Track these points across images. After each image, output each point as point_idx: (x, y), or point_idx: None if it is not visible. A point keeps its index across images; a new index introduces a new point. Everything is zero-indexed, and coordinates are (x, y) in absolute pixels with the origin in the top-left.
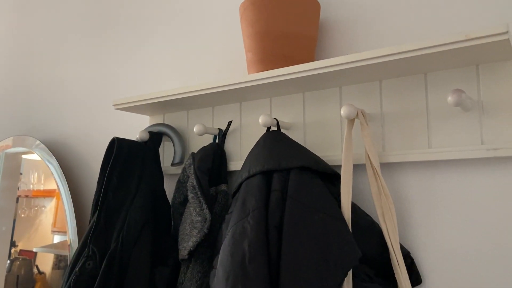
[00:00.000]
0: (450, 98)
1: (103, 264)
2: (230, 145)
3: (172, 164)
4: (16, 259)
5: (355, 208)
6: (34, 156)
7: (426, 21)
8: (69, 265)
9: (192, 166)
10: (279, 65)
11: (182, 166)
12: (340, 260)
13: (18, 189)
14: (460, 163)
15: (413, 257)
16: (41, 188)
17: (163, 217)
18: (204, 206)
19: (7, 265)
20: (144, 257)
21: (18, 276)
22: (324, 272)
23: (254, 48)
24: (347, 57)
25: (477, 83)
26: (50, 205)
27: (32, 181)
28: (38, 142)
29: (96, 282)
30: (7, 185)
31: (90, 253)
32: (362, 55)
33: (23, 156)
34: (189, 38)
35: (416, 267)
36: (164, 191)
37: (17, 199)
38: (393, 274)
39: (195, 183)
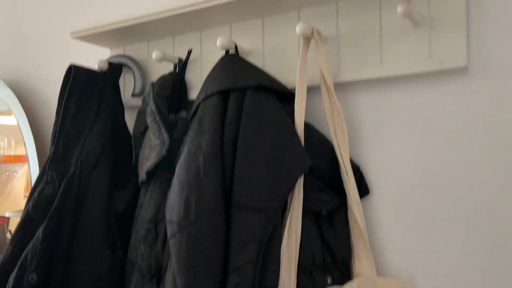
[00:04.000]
0: (399, 8)
1: (61, 188)
2: (191, 74)
3: (133, 95)
4: None
5: (309, 126)
6: (3, 120)
7: None
8: (29, 193)
9: (151, 93)
10: None
11: (143, 96)
12: (291, 168)
13: None
14: (409, 79)
15: (362, 172)
16: (12, 153)
17: (124, 146)
18: (163, 129)
19: None
20: (103, 180)
21: None
22: (275, 178)
23: None
24: None
25: None
26: (21, 170)
27: (2, 146)
28: None
29: (53, 205)
30: None
31: (48, 179)
32: None
33: None
34: None
35: (365, 180)
36: (125, 121)
37: None
38: (343, 186)
39: (153, 108)
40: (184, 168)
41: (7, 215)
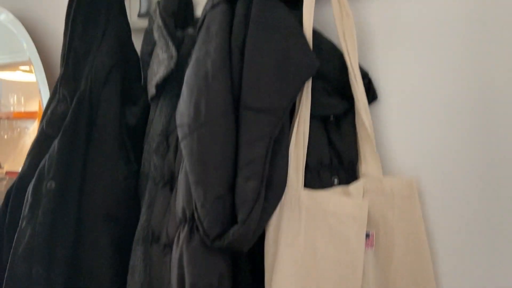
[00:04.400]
0: None
1: (73, 104)
2: None
3: (139, 15)
4: (2, 179)
5: (318, 33)
6: (12, 76)
7: None
8: (43, 111)
9: (157, 10)
10: None
11: (149, 16)
12: (299, 69)
13: None
14: None
15: (371, 78)
16: (22, 110)
17: (132, 65)
18: (170, 43)
19: None
20: (113, 96)
21: None
22: (283, 79)
23: None
24: None
25: None
26: (33, 127)
27: (12, 103)
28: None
29: (66, 120)
30: None
31: (60, 97)
32: None
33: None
34: None
35: (373, 86)
36: (132, 42)
37: None
38: (351, 92)
39: (160, 23)
40: (193, 74)
41: (20, 170)
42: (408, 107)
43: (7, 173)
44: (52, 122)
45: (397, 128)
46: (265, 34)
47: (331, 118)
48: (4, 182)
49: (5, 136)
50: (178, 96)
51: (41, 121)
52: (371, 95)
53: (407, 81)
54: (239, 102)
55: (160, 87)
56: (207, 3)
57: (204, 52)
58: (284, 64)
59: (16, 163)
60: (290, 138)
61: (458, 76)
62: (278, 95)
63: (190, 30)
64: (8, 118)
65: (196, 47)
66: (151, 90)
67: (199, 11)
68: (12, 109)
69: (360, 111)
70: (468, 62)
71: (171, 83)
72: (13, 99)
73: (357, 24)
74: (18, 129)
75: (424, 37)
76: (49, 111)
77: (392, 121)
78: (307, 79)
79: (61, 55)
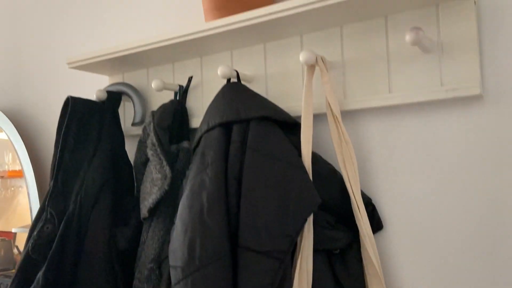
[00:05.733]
0: (408, 37)
1: (61, 227)
2: (192, 102)
3: (133, 124)
4: None
5: (316, 157)
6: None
7: None
8: (29, 230)
9: (151, 124)
10: (235, 11)
11: (143, 125)
12: (300, 206)
13: None
14: (420, 107)
15: (375, 204)
16: (17, 168)
17: (125, 178)
18: (164, 163)
19: None
20: (103, 217)
21: None
22: (283, 219)
23: None
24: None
25: (436, 24)
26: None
27: (7, 162)
28: None
29: (53, 245)
30: None
31: (48, 216)
32: None
33: None
34: None
35: (378, 214)
36: (125, 151)
37: None
38: (355, 221)
39: (154, 140)
40: (187, 208)
41: (13, 230)
42: (416, 235)
43: (0, 233)
44: (38, 246)
45: (406, 259)
46: (263, 164)
47: (336, 251)
48: None
49: None
50: (171, 217)
51: (26, 243)
52: (376, 224)
53: (412, 207)
54: (237, 240)
55: (153, 210)
56: (202, 125)
57: (199, 182)
58: (283, 200)
59: (9, 223)
60: (293, 278)
61: (466, 199)
62: (278, 236)
63: (185, 143)
64: (2, 177)
65: (191, 173)
66: (143, 212)
67: (194, 122)
68: (6, 167)
69: (365, 244)
70: (477, 185)
71: (165, 202)
72: (8, 158)
73: (356, 146)
74: (13, 188)
75: (427, 159)
76: (35, 233)
77: (400, 251)
78: (308, 216)
79: (51, 167)
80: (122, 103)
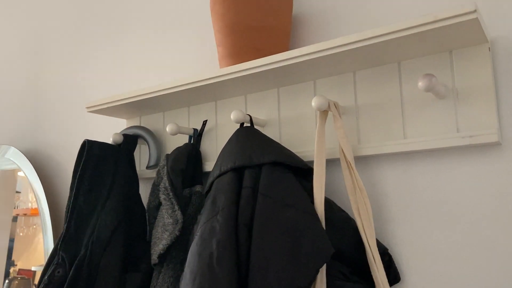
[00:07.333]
0: (421, 83)
1: (71, 272)
2: (206, 145)
3: (147, 167)
4: (14, 278)
5: (329, 203)
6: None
7: (402, 8)
8: (40, 274)
9: (165, 167)
10: (249, 58)
11: (157, 168)
12: (312, 256)
13: (17, 208)
14: (436, 153)
15: (391, 254)
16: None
17: (137, 221)
18: (176, 207)
19: (5, 284)
20: (114, 263)
21: None
22: (294, 269)
23: (224, 42)
24: (315, 46)
25: (451, 69)
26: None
27: (30, 199)
28: (12, 148)
29: None
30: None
31: (59, 260)
32: (331, 43)
33: (19, 173)
34: (161, 37)
35: (394, 264)
36: (139, 195)
37: (16, 218)
38: (370, 272)
39: (167, 184)
40: (196, 255)
41: (33, 269)
42: (436, 286)
43: (19, 271)
44: None
45: None
46: (274, 211)
47: None
48: (16, 282)
49: (21, 234)
50: (182, 263)
51: (38, 287)
52: (393, 275)
53: (431, 257)
54: None
55: (163, 256)
56: (214, 169)
57: (209, 229)
58: (295, 250)
59: (29, 261)
60: None
61: (488, 250)
62: (289, 284)
63: (198, 187)
64: (25, 214)
65: (202, 219)
66: (154, 258)
67: (208, 166)
68: (30, 205)
69: None
70: (495, 234)
71: (176, 247)
72: (31, 196)
73: (371, 192)
74: (35, 225)
75: (444, 207)
76: (46, 277)
77: None
78: (320, 266)
79: (66, 209)
80: (138, 146)
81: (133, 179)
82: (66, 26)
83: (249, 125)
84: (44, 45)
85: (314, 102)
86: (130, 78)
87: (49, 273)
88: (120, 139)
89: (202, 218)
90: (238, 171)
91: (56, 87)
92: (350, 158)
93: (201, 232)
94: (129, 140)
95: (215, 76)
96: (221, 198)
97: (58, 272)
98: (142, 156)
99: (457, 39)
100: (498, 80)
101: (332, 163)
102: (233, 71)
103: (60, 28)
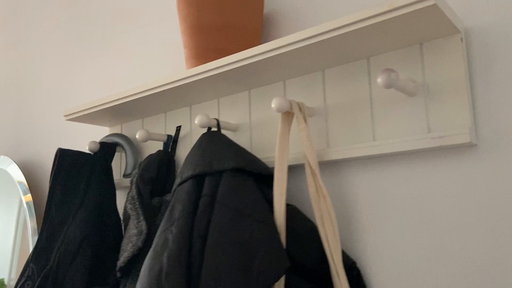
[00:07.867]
0: (379, 79)
1: (37, 283)
2: (182, 152)
3: (124, 175)
4: None
5: (294, 212)
6: None
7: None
8: (14, 287)
9: (135, 176)
10: (213, 59)
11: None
12: (263, 272)
13: None
14: (408, 156)
15: (360, 268)
16: None
17: (110, 233)
18: (141, 218)
19: None
20: (80, 276)
21: None
22: (245, 286)
23: (189, 43)
24: (272, 43)
25: (421, 64)
26: None
27: None
28: (8, 160)
29: None
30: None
31: (30, 272)
32: (286, 39)
33: None
34: (138, 42)
35: (363, 280)
36: (115, 205)
37: None
38: None
39: (134, 194)
40: (147, 269)
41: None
42: None
43: None
44: None
45: None
46: (230, 222)
47: None
48: None
49: None
50: None
51: None
52: None
53: (403, 271)
54: None
55: (125, 268)
56: (177, 177)
57: (162, 241)
58: (248, 263)
59: None
60: None
61: (462, 260)
62: None
63: (168, 197)
64: None
65: (158, 231)
66: (116, 271)
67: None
68: None
69: None
70: (470, 240)
71: (142, 259)
72: None
73: (340, 202)
74: None
75: (417, 215)
76: None
77: None
78: (271, 283)
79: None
80: (118, 154)
81: (108, 189)
82: (56, 31)
83: (216, 129)
84: (26, 51)
85: (273, 104)
86: (112, 85)
87: (19, 286)
88: (96, 147)
89: (158, 230)
90: (198, 179)
91: (41, 96)
92: (313, 163)
93: (155, 244)
94: (106, 148)
95: (179, 78)
96: (178, 207)
97: (28, 284)
98: (122, 165)
99: (424, 30)
100: (473, 74)
101: (299, 169)
102: (195, 72)
103: (46, 33)
